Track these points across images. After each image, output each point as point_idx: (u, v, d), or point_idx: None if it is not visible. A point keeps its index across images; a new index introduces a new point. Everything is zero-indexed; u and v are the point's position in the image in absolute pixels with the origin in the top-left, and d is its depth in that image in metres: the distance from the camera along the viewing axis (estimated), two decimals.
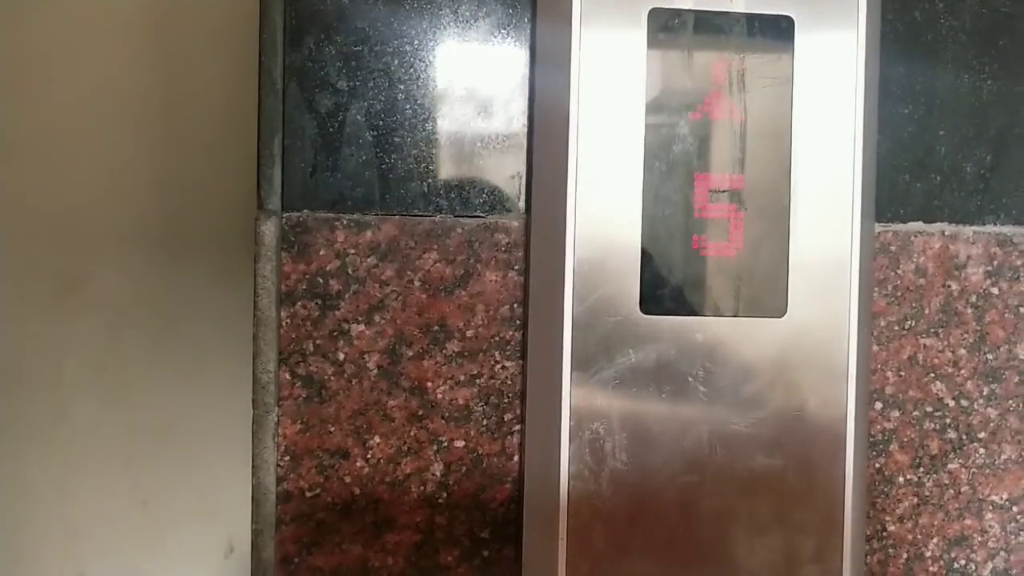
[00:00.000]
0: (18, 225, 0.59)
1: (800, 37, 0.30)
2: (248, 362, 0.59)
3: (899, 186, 0.33)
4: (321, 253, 0.30)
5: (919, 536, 0.33)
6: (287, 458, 0.29)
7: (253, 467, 0.30)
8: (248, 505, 0.58)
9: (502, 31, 0.31)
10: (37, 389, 0.59)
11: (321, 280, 0.30)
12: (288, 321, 0.30)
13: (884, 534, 0.33)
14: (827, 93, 0.30)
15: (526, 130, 0.31)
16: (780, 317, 0.30)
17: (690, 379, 0.29)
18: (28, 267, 0.59)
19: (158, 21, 0.58)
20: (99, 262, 0.60)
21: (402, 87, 0.31)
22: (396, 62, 0.31)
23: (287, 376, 0.30)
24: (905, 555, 0.33)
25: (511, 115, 0.31)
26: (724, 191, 0.30)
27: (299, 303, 0.30)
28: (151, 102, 0.59)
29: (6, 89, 0.59)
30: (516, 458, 0.31)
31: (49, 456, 0.59)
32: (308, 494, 0.29)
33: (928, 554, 0.33)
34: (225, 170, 0.60)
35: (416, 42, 0.31)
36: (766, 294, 0.30)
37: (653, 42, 0.29)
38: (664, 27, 0.29)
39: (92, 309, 0.60)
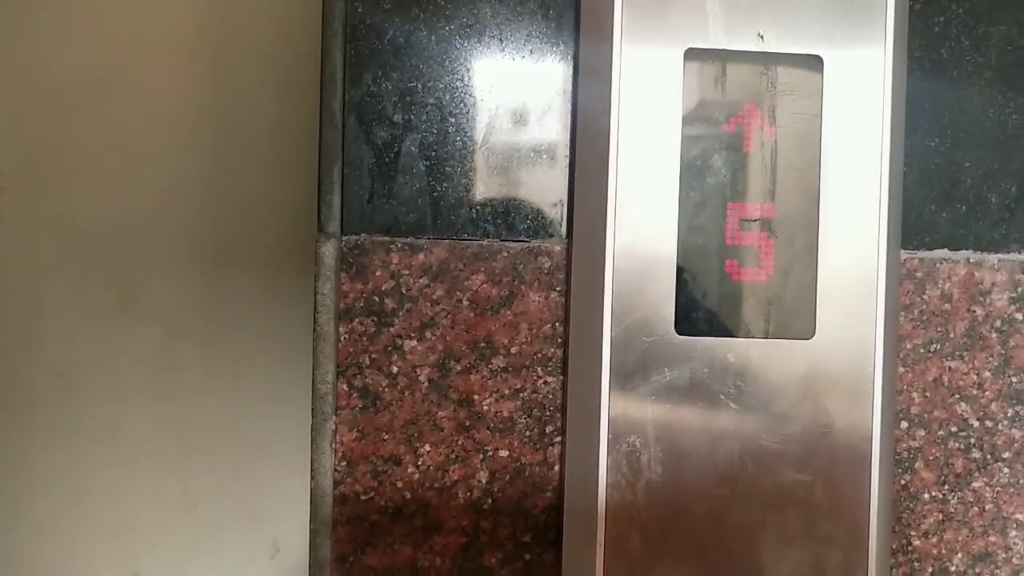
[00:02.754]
0: (77, 240, 0.62)
1: (829, 74, 0.31)
2: (293, 371, 0.62)
3: (925, 215, 0.34)
4: (377, 274, 0.32)
5: (944, 551, 0.34)
6: (344, 463, 0.32)
7: (312, 471, 0.32)
8: (293, 508, 0.61)
9: (546, 69, 0.33)
10: (94, 396, 0.62)
11: (377, 299, 0.32)
12: (346, 336, 0.32)
13: (909, 548, 0.34)
14: (855, 127, 0.32)
15: (568, 162, 0.33)
16: (809, 339, 0.31)
17: (722, 396, 0.31)
18: (86, 280, 0.63)
19: (211, 45, 0.62)
20: (153, 276, 0.63)
21: (452, 120, 0.33)
22: (447, 97, 0.33)
23: (344, 387, 0.32)
24: (930, 569, 0.34)
25: (554, 147, 0.33)
26: (756, 220, 0.32)
27: (356, 319, 0.32)
28: (203, 123, 0.63)
29: (68, 108, 0.62)
30: (557, 468, 0.32)
31: (104, 460, 0.63)
32: (363, 497, 0.32)
33: (953, 569, 0.34)
34: (273, 189, 0.63)
35: (466, 78, 0.33)
36: (795, 317, 0.32)
37: (688, 81, 0.31)
38: (699, 66, 0.31)
39: (146, 320, 0.63)
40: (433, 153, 0.33)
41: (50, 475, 0.61)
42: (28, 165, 0.61)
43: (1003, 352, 0.34)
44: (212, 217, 0.63)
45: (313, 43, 0.58)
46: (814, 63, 0.32)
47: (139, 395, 0.62)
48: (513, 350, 0.32)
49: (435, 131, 0.33)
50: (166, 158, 0.63)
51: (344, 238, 0.32)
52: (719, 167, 0.32)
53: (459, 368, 0.32)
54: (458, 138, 0.33)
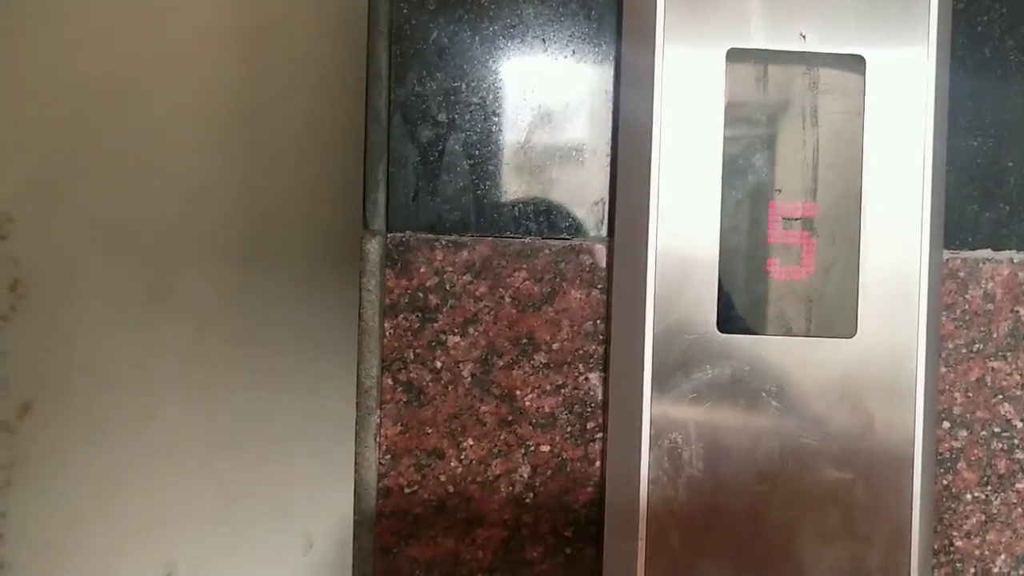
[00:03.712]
0: (110, 236, 0.64)
1: (871, 73, 0.32)
2: (324, 366, 0.63)
3: (968, 215, 0.34)
4: (422, 270, 0.33)
5: (987, 552, 0.34)
6: (388, 457, 0.32)
7: (355, 465, 0.33)
8: (326, 503, 0.61)
9: (588, 68, 0.34)
10: (126, 391, 0.63)
11: (421, 295, 0.33)
12: (391, 331, 0.33)
13: (951, 549, 0.34)
14: (897, 126, 0.32)
15: (609, 161, 0.34)
16: (850, 338, 0.31)
17: (763, 394, 0.31)
18: (118, 276, 0.64)
19: (246, 42, 0.63)
20: (185, 272, 0.64)
21: (495, 119, 0.34)
22: (491, 96, 0.34)
23: (389, 381, 0.33)
24: (972, 570, 0.34)
25: (595, 147, 0.34)
26: (797, 219, 0.32)
27: (401, 315, 0.33)
28: (236, 120, 0.64)
29: (101, 105, 0.64)
30: (598, 463, 0.33)
31: (137, 454, 0.64)
32: (407, 491, 0.32)
33: (996, 570, 0.34)
34: (306, 187, 0.64)
35: (509, 78, 0.34)
36: (837, 316, 0.32)
37: (730, 81, 0.31)
38: (741, 66, 0.31)
39: (178, 316, 0.64)
40: (476, 152, 0.33)
41: (84, 468, 0.63)
42: (62, 162, 0.63)
43: None
44: (245, 215, 0.64)
45: (351, 42, 0.59)
46: (856, 63, 0.32)
47: (171, 389, 0.64)
48: (555, 346, 0.33)
49: (478, 130, 0.34)
50: (199, 155, 0.64)
51: (389, 235, 0.33)
52: (760, 166, 0.32)
53: (501, 364, 0.33)
54: (501, 137, 0.34)
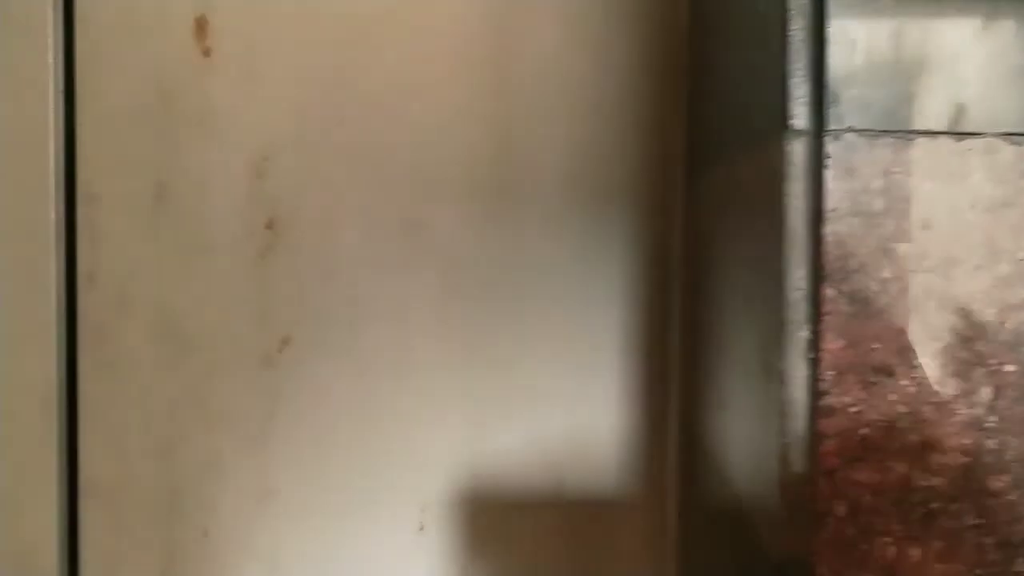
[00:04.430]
0: (364, 172, 0.63)
1: None
2: (581, 298, 0.62)
3: None
4: (864, 171, 0.30)
5: None
6: (830, 373, 0.30)
7: (782, 383, 0.31)
8: (579, 445, 0.60)
9: None
10: (383, 324, 0.64)
11: (865, 199, 0.30)
12: (831, 239, 0.30)
13: None
14: None
15: None
16: None
17: None
18: (373, 211, 0.63)
19: None
20: (439, 206, 0.63)
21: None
22: None
23: (831, 292, 0.30)
24: None
25: None
26: None
27: (841, 221, 0.30)
28: (490, 55, 0.62)
29: (357, 41, 0.63)
30: None
31: (395, 390, 0.64)
32: (851, 410, 0.30)
33: None
34: (559, 123, 0.62)
35: None
36: None
37: None
38: None
39: (433, 250, 0.63)
40: (915, 51, 0.30)
41: (342, 400, 0.64)
42: (317, 99, 0.63)
43: None
44: (498, 147, 0.63)
45: None
46: None
47: (427, 323, 0.63)
48: (1020, 255, 0.29)
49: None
50: (452, 87, 0.63)
51: (826, 134, 0.30)
52: None
53: (958, 275, 0.30)
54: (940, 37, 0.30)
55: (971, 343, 0.29)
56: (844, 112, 0.30)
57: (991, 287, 0.29)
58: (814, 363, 0.30)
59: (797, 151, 0.30)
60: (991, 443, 0.29)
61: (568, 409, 0.62)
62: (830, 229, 0.30)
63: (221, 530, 0.64)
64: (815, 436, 0.30)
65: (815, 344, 0.30)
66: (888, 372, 0.30)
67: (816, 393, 0.30)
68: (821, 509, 0.29)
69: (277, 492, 0.64)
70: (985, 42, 0.30)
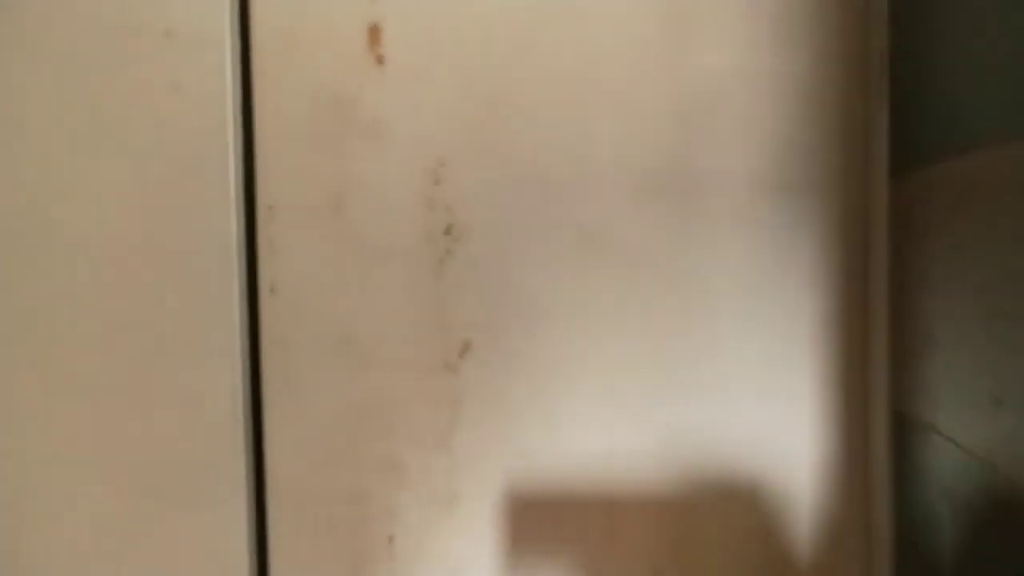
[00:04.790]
0: (539, 177, 0.62)
1: None
2: (759, 302, 0.60)
3: None
4: None
5: None
6: None
7: None
8: (768, 436, 0.59)
9: None
10: (562, 329, 0.63)
11: None
12: None
13: None
14: None
15: None
16: None
17: None
18: (550, 216, 0.63)
19: None
20: (617, 210, 0.62)
21: None
22: None
23: None
24: None
25: None
26: None
27: None
28: (668, 54, 0.61)
29: (520, 42, 0.62)
30: None
31: (576, 392, 0.63)
32: None
33: None
34: (739, 110, 0.60)
35: None
36: None
37: None
38: None
39: (612, 254, 0.62)
40: None
41: (524, 404, 0.63)
42: (492, 104, 0.62)
43: None
44: (680, 150, 0.61)
45: None
46: None
47: (608, 328, 0.62)
48: None
49: None
50: (631, 91, 0.61)
51: None
52: None
53: None
54: None
55: None
56: None
57: None
58: None
59: None
60: None
61: (760, 404, 0.60)
62: None
63: (406, 535, 0.64)
64: None
65: None
66: None
67: None
68: None
69: (460, 497, 0.64)
70: None
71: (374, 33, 0.63)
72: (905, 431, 0.56)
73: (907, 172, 0.55)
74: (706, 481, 0.62)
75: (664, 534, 0.63)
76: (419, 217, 0.63)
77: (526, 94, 0.62)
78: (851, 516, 0.62)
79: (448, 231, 0.63)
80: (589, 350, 0.63)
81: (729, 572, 0.62)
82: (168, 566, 0.64)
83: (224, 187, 0.63)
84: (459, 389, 0.63)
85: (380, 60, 0.63)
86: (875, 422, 0.61)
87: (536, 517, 0.64)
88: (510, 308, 0.63)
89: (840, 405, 0.61)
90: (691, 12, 0.61)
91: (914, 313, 0.54)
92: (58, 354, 0.63)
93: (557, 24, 0.62)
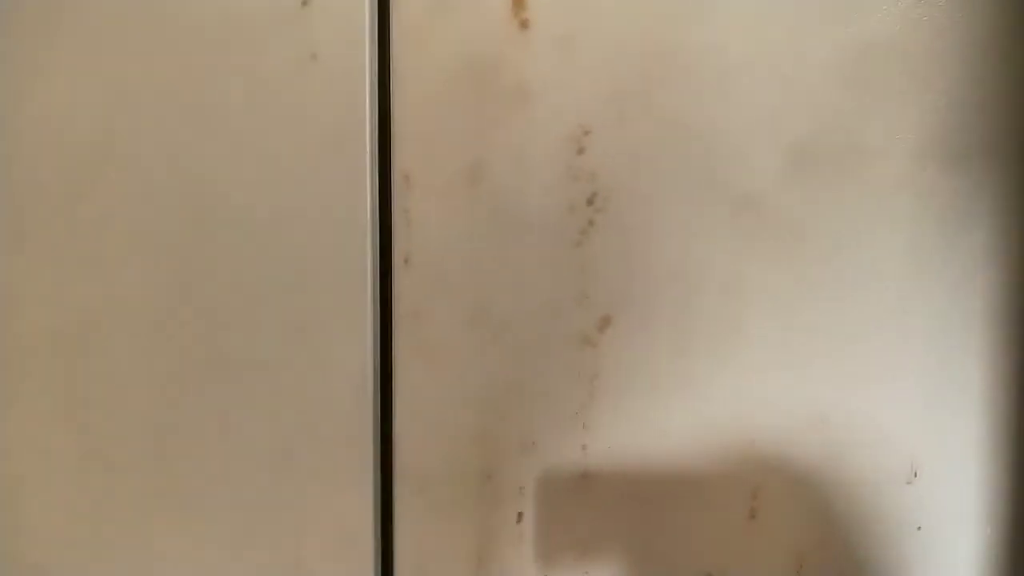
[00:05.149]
0: (688, 144, 0.60)
1: None
2: (930, 274, 0.57)
3: None
4: None
5: None
6: None
7: None
8: (932, 426, 0.56)
9: None
10: (711, 302, 0.61)
11: None
12: None
13: None
14: None
15: None
16: None
17: None
18: (699, 184, 0.61)
19: None
20: (772, 180, 0.60)
21: None
22: None
23: None
24: None
25: None
26: None
27: None
28: (825, 17, 0.59)
29: (674, 12, 0.60)
30: None
31: (724, 371, 0.61)
32: None
33: None
34: (907, 71, 0.58)
35: None
36: None
37: None
38: None
39: (766, 225, 0.60)
40: None
41: (668, 381, 0.61)
42: (639, 69, 0.60)
43: None
44: (840, 115, 0.59)
45: None
46: None
47: (760, 301, 0.60)
48: None
49: None
50: (789, 52, 0.59)
51: None
52: None
53: None
54: None
55: None
56: None
57: None
58: None
59: None
60: None
61: (920, 385, 0.58)
62: None
63: (536, 514, 0.63)
64: None
65: None
66: None
67: None
68: None
69: (595, 476, 0.62)
70: None
71: None
72: None
73: None
74: (857, 464, 0.60)
75: (805, 519, 0.61)
76: (561, 186, 0.61)
77: (677, 59, 0.60)
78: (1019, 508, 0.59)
79: (591, 201, 0.61)
80: (738, 325, 0.61)
81: (878, 561, 0.60)
82: (293, 541, 0.63)
83: (360, 157, 0.62)
84: (598, 364, 0.62)
85: (524, 24, 0.61)
86: None
87: (673, 498, 0.62)
88: (655, 281, 0.61)
89: (1012, 390, 0.59)
90: None
91: None
92: (192, 329, 0.63)
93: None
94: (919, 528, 0.60)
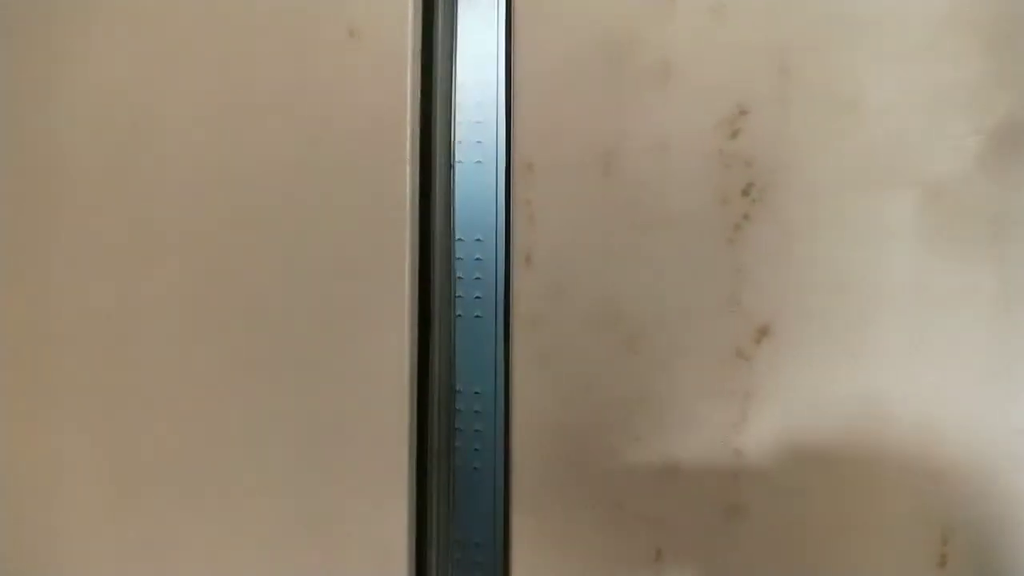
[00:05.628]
0: (861, 127, 0.52)
1: None
2: None
3: None
4: None
5: None
6: None
7: None
8: None
9: None
10: (887, 311, 0.52)
11: None
12: None
13: None
14: None
15: None
16: None
17: None
18: (873, 174, 0.52)
19: None
20: (957, 163, 0.50)
21: None
22: None
23: None
24: None
25: None
26: None
27: None
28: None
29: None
30: None
31: (904, 389, 0.51)
32: None
33: None
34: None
35: None
36: None
37: None
38: None
39: (951, 216, 0.51)
40: None
41: (838, 402, 0.52)
42: (804, 39, 0.52)
43: None
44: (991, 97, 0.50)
45: None
46: None
47: (946, 305, 0.51)
48: None
49: None
50: (986, 20, 0.50)
51: None
52: None
53: None
54: None
55: None
56: None
57: None
58: None
59: None
60: None
61: None
62: None
63: (676, 550, 0.55)
64: None
65: None
66: None
67: None
68: None
69: (745, 509, 0.53)
70: None
71: None
72: None
73: None
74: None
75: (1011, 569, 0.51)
76: (710, 175, 0.54)
77: (850, 25, 0.52)
78: None
79: (746, 192, 0.53)
80: (922, 337, 0.51)
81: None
82: (327, 550, 0.59)
83: (400, 144, 0.57)
84: (752, 381, 0.53)
85: None
86: None
87: (843, 540, 0.53)
88: (822, 286, 0.53)
89: None
90: None
91: None
92: (244, 321, 0.59)
93: None
94: None
